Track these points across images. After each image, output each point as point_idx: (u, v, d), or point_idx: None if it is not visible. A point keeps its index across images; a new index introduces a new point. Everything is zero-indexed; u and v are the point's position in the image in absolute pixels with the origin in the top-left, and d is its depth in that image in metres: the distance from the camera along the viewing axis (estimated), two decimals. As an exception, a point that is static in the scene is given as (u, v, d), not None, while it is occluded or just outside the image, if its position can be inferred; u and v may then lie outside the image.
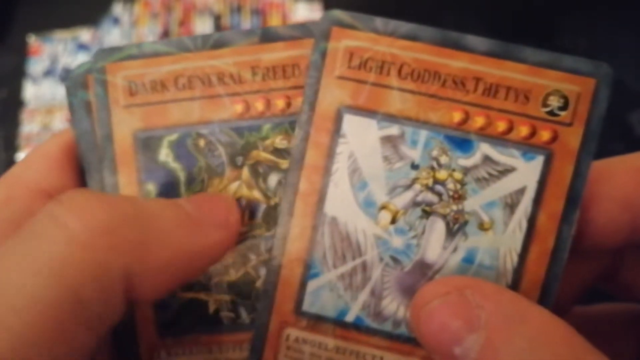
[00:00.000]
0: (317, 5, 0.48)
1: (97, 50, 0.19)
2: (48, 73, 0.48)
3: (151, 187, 0.19)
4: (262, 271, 0.19)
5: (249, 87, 0.19)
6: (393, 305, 0.18)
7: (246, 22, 0.48)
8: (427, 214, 0.18)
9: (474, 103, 0.18)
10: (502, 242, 0.18)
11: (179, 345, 0.19)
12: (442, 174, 0.18)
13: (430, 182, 0.18)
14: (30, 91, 0.47)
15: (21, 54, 0.48)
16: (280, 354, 0.18)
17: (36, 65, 0.48)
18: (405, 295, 0.18)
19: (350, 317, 0.18)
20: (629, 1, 0.38)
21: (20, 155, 0.45)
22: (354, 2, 0.47)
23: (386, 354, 0.18)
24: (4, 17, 0.49)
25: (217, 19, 0.48)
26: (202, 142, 0.19)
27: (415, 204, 0.18)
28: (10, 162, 0.45)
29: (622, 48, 0.41)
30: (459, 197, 0.18)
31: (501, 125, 0.18)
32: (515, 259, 0.18)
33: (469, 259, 0.18)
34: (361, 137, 0.18)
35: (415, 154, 0.18)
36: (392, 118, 0.18)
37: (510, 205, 0.18)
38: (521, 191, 0.18)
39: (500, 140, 0.18)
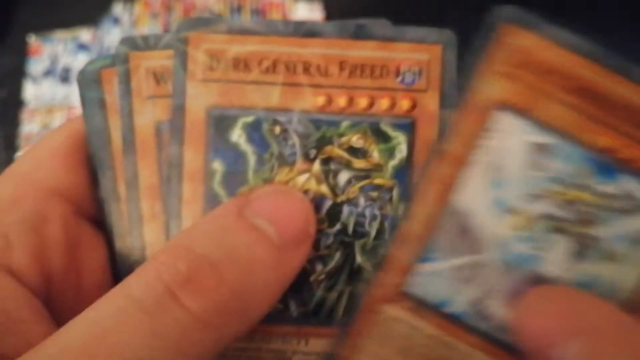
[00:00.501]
0: (317, 5, 0.48)
1: (181, 19, 0.19)
2: (48, 73, 0.48)
3: (218, 166, 0.19)
4: (319, 266, 0.19)
5: (334, 81, 0.19)
6: (498, 308, 0.18)
7: (247, 22, 0.48)
8: (556, 229, 0.18)
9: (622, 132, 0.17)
10: (625, 275, 0.18)
11: None
12: (578, 194, 0.18)
13: (566, 198, 0.18)
14: (30, 91, 0.47)
15: (21, 54, 0.48)
16: (372, 328, 0.18)
17: (36, 65, 0.48)
18: (512, 301, 0.18)
19: (452, 309, 0.18)
20: (630, 1, 0.37)
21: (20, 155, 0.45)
22: (354, 3, 0.47)
23: (477, 353, 0.18)
24: (4, 17, 0.49)
25: (218, 18, 0.48)
26: (277, 129, 0.19)
27: (545, 216, 0.18)
28: (10, 162, 0.45)
29: (622, 48, 0.41)
30: (590, 222, 0.18)
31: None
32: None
33: (586, 284, 0.18)
34: (510, 136, 0.18)
35: (560, 168, 0.17)
36: (547, 126, 0.17)
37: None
38: None
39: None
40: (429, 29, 0.19)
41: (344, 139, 0.19)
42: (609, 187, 0.18)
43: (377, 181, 0.19)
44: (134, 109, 0.19)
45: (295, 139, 0.19)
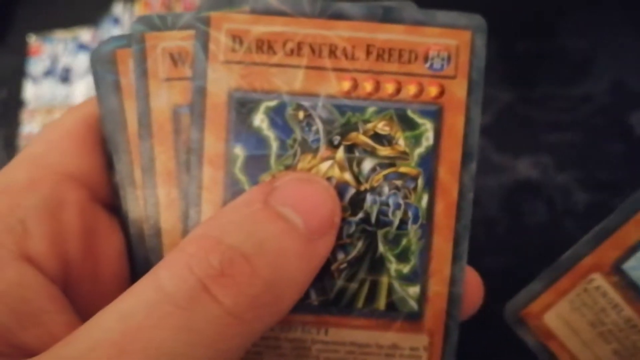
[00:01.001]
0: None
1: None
2: (48, 73, 0.47)
3: (239, 152, 0.18)
4: (340, 255, 0.19)
5: (360, 66, 0.18)
6: None
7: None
8: None
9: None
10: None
11: None
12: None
13: None
14: (30, 91, 0.47)
15: (21, 54, 0.47)
16: (573, 292, 0.18)
17: (36, 65, 0.48)
18: None
19: None
20: (630, 1, 0.38)
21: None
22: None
23: None
24: (4, 17, 0.48)
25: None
26: (301, 114, 0.18)
27: None
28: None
29: (622, 48, 0.41)
30: None
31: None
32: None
33: None
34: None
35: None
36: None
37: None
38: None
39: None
40: (458, 14, 0.18)
41: (369, 126, 0.18)
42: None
43: (402, 169, 0.19)
44: (150, 92, 0.18)
45: (319, 125, 0.18)
